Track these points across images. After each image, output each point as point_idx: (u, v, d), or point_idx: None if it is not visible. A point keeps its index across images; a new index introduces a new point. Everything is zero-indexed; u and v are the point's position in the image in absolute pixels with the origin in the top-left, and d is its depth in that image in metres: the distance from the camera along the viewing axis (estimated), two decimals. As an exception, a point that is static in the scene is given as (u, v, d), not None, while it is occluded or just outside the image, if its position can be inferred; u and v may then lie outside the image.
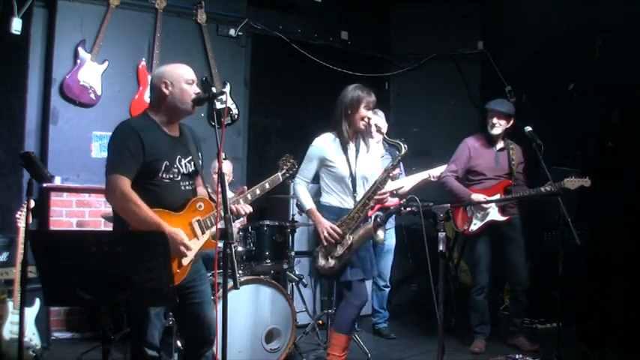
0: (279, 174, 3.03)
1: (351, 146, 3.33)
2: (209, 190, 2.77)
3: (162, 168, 2.55)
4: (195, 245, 2.57)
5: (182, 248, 2.48)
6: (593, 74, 5.34)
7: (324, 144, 3.32)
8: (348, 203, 3.32)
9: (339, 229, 3.20)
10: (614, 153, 5.04)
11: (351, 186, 3.31)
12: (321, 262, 3.24)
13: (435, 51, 6.54)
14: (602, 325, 4.51)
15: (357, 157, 3.34)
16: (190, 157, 2.68)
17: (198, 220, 2.61)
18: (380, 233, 3.24)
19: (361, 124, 3.29)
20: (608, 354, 4.08)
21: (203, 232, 2.61)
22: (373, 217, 3.26)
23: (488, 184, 4.32)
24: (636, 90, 4.89)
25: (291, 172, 3.09)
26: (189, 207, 2.60)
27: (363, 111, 3.27)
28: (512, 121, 4.33)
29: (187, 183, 2.66)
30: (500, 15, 6.35)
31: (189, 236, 2.55)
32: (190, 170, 2.67)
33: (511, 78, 6.29)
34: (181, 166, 2.62)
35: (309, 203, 3.30)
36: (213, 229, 2.57)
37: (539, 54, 5.81)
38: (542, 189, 3.98)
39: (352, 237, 3.19)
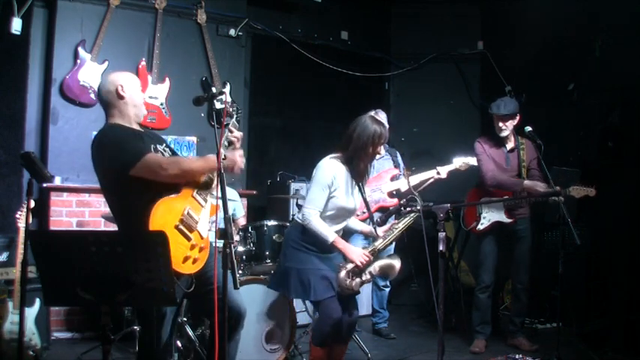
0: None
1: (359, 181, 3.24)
2: None
3: None
4: (204, 213, 2.65)
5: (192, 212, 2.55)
6: (593, 74, 5.34)
7: (337, 173, 3.14)
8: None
9: (370, 256, 3.17)
10: (614, 153, 5.03)
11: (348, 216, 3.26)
12: (345, 279, 3.13)
13: (435, 51, 6.55)
14: (602, 325, 4.51)
15: (360, 192, 3.27)
16: (164, 144, 2.75)
17: (197, 191, 2.68)
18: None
19: (372, 158, 3.23)
20: (608, 354, 4.08)
21: (205, 200, 2.69)
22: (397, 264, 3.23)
23: None
24: (636, 90, 4.88)
25: (239, 112, 3.13)
26: (184, 184, 2.64)
27: (379, 146, 3.19)
28: (517, 118, 4.26)
29: None
30: (501, 15, 6.35)
31: (197, 208, 2.62)
32: (169, 155, 2.74)
33: (511, 78, 6.30)
34: (162, 151, 2.69)
35: (331, 235, 3.12)
36: (212, 193, 2.69)
37: (539, 54, 5.81)
38: (550, 189, 3.90)
39: (378, 265, 3.20)
